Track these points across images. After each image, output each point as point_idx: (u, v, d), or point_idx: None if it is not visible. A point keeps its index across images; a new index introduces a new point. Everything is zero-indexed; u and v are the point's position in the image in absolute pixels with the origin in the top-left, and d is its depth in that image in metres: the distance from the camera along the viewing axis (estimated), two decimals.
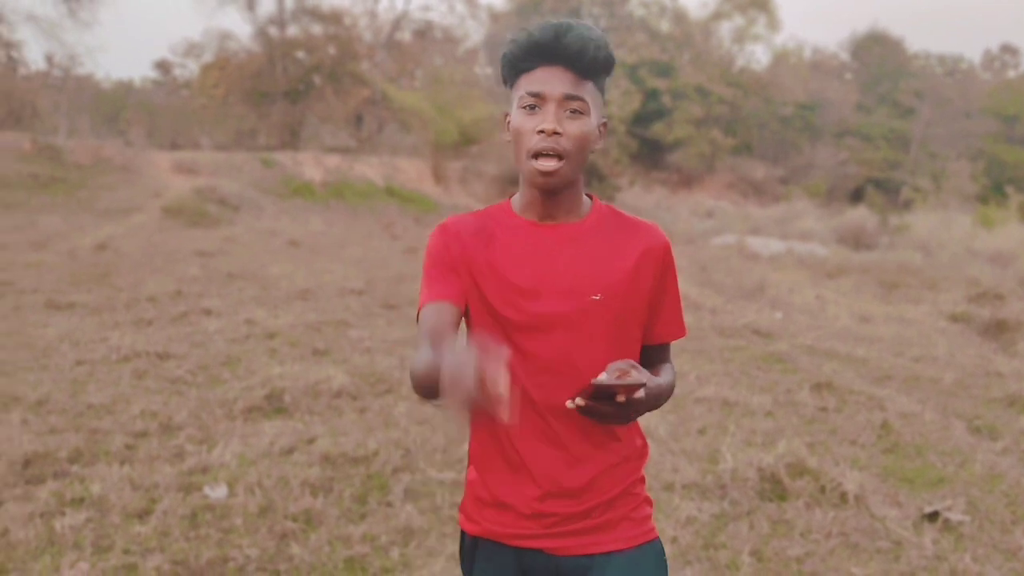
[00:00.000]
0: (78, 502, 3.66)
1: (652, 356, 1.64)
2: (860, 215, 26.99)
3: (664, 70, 41.60)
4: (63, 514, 3.50)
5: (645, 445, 1.67)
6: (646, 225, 1.61)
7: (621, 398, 1.28)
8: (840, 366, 7.07)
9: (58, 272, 9.99)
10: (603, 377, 1.29)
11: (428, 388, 1.28)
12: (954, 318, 10.43)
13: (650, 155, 40.37)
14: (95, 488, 3.76)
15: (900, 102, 45.95)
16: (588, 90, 1.48)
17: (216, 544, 3.35)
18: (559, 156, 1.45)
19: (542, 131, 1.44)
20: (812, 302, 11.22)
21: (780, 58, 48.55)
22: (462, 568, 1.68)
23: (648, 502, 1.66)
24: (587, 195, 1.61)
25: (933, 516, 3.90)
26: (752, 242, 20.01)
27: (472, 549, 1.64)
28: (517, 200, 1.59)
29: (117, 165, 19.67)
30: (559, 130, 1.43)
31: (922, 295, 12.58)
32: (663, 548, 1.63)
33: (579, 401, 1.29)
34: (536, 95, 1.45)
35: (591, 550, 1.56)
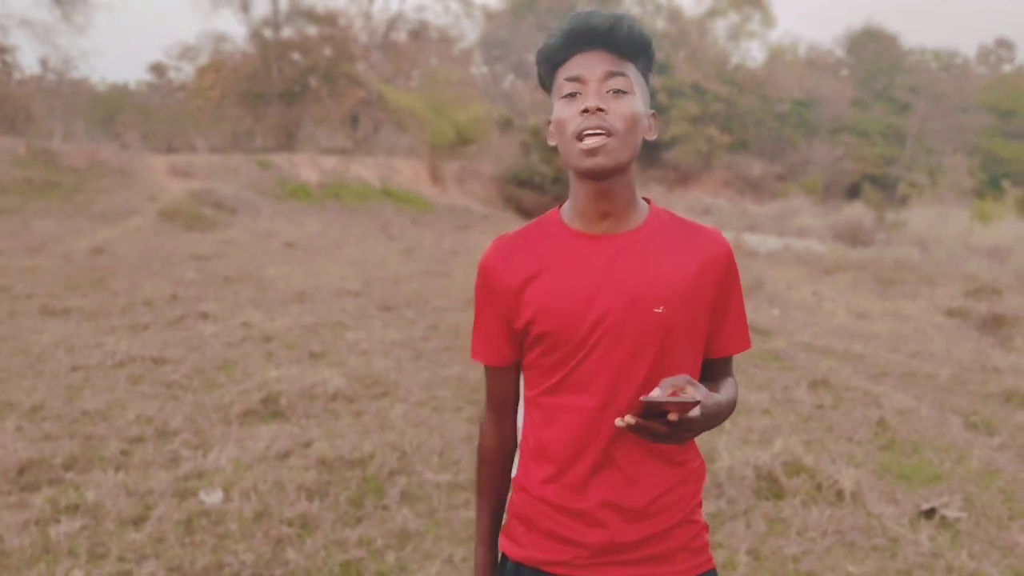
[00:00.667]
0: (73, 509, 3.65)
1: (713, 370, 1.54)
2: (857, 211, 27.03)
3: (660, 68, 41.43)
4: (58, 521, 3.49)
5: (703, 465, 1.57)
6: (708, 231, 1.51)
7: (674, 416, 1.21)
8: (837, 363, 7.07)
9: (54, 277, 9.97)
10: (655, 393, 1.23)
11: (487, 465, 1.60)
12: (951, 313, 10.44)
13: (647, 153, 40.10)
14: (90, 495, 3.75)
15: (896, 98, 46.00)
16: (629, 69, 1.40)
17: (211, 550, 3.34)
18: (607, 132, 1.34)
19: (585, 111, 1.35)
20: (809, 299, 11.23)
21: (775, 55, 48.61)
22: None
23: (706, 528, 1.55)
24: (644, 199, 1.52)
25: (930, 513, 3.90)
26: (749, 239, 20.03)
27: (515, 574, 1.54)
28: (567, 208, 1.49)
29: (113, 168, 19.64)
30: (603, 106, 1.34)
31: (919, 291, 12.59)
32: None
33: (629, 419, 1.23)
34: (575, 79, 1.38)
35: None
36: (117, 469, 4.12)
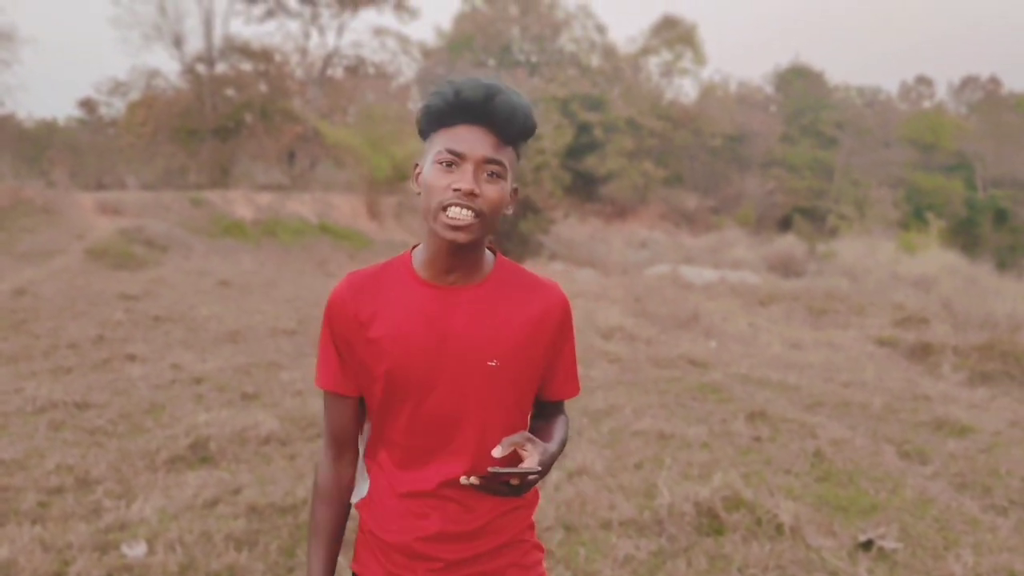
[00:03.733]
0: None
1: (547, 411, 1.67)
2: (788, 243, 27.63)
3: (595, 104, 42.20)
4: None
5: (536, 493, 1.67)
6: (546, 285, 1.59)
7: (515, 481, 1.38)
8: (773, 394, 7.14)
9: None
10: (498, 453, 1.38)
11: (323, 504, 1.64)
12: (881, 342, 10.68)
13: (584, 187, 40.75)
14: (3, 551, 3.54)
15: (823, 132, 47.36)
16: (508, 155, 1.47)
17: None
18: (475, 214, 1.42)
19: (458, 189, 1.41)
20: (745, 330, 11.38)
21: (707, 91, 49.75)
22: None
23: (538, 548, 1.67)
24: (490, 249, 1.59)
25: (867, 545, 3.92)
26: (686, 271, 20.27)
27: None
28: (419, 255, 1.56)
29: (38, 207, 19.04)
30: (476, 191, 1.41)
31: (850, 320, 12.86)
32: None
33: (473, 480, 1.40)
34: (456, 154, 1.42)
35: None
36: (34, 522, 3.92)
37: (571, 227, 31.50)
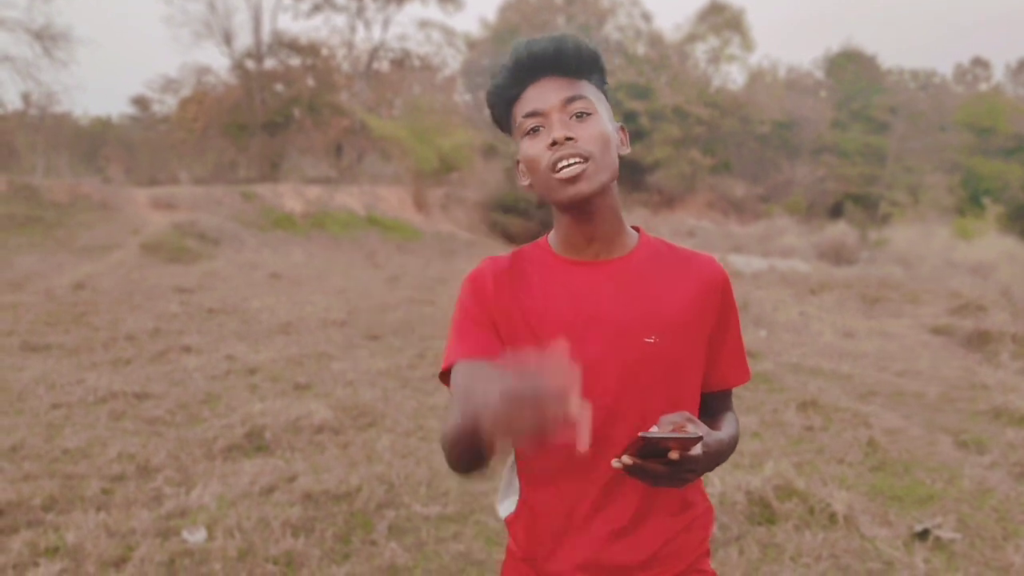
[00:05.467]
0: (52, 552, 3.56)
1: (712, 404, 1.47)
2: (840, 230, 27.18)
3: (642, 92, 41.91)
4: (37, 565, 3.40)
5: (709, 510, 1.49)
6: (703, 257, 1.44)
7: (675, 455, 1.11)
8: (825, 383, 7.05)
9: (34, 313, 9.85)
10: (654, 430, 1.14)
11: (466, 449, 1.11)
12: (936, 331, 10.47)
13: (630, 176, 40.56)
14: (70, 536, 3.66)
15: (875, 117, 46.44)
16: (587, 89, 1.34)
17: None
18: (582, 158, 1.28)
19: (553, 143, 1.28)
20: (796, 319, 11.23)
21: (755, 77, 49.08)
22: None
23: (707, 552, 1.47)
24: (633, 228, 1.46)
25: (923, 534, 3.86)
26: (735, 260, 20.08)
27: None
28: (553, 236, 1.43)
29: (95, 203, 19.52)
30: (571, 135, 1.28)
31: (904, 309, 12.62)
32: None
33: (626, 459, 1.12)
34: (533, 114, 1.31)
35: None
36: (98, 509, 4.04)
37: None
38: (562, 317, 1.34)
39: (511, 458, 1.47)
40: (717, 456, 1.27)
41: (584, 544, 1.37)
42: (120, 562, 3.48)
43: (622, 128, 1.40)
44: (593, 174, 1.28)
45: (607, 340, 1.32)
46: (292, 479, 4.49)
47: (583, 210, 1.33)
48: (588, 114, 1.31)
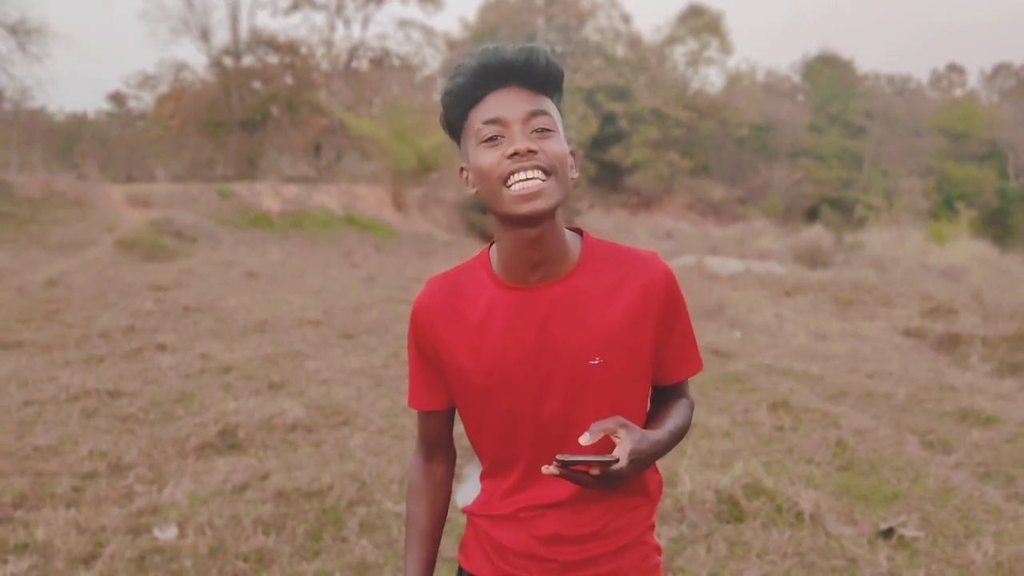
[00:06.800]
0: (22, 548, 3.55)
1: (666, 395, 1.51)
2: (816, 234, 27.40)
3: (621, 94, 42.09)
4: (6, 562, 3.40)
5: (659, 487, 1.55)
6: (644, 256, 1.42)
7: (595, 471, 1.19)
8: (797, 384, 7.13)
9: (7, 309, 9.77)
10: (585, 441, 1.21)
11: (416, 502, 1.56)
12: (908, 333, 10.61)
13: (609, 178, 40.74)
14: (39, 533, 3.65)
15: (851, 122, 46.90)
16: (549, 106, 1.31)
17: None
18: (544, 172, 1.26)
19: (513, 153, 1.25)
20: (770, 321, 11.34)
21: (734, 81, 49.36)
22: None
23: (658, 550, 1.54)
24: (576, 230, 1.45)
25: (888, 533, 3.93)
26: (711, 262, 20.20)
27: None
28: (496, 255, 1.41)
29: (69, 199, 19.35)
30: (533, 147, 1.25)
31: (877, 311, 12.77)
32: None
33: (552, 469, 1.18)
34: (494, 121, 1.27)
35: None
36: (68, 506, 4.03)
37: (596, 218, 31.51)
38: (507, 349, 1.36)
39: (476, 459, 1.55)
40: (652, 457, 1.29)
41: (538, 525, 1.45)
42: (90, 559, 3.48)
43: (573, 151, 1.37)
44: (552, 192, 1.26)
45: (552, 364, 1.36)
46: (264, 477, 4.50)
47: (532, 229, 1.31)
48: (550, 131, 1.29)
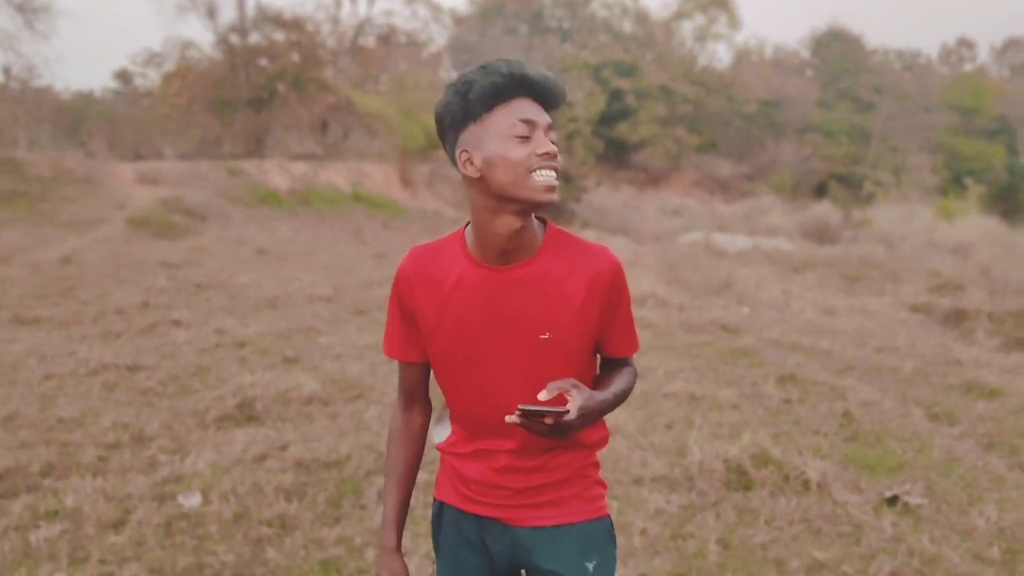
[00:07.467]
0: (52, 515, 3.67)
1: (612, 365, 1.73)
2: (824, 210, 27.42)
3: (628, 70, 41.90)
4: (38, 527, 3.52)
5: (605, 437, 1.77)
6: (595, 251, 1.64)
7: (549, 420, 1.42)
8: (804, 358, 7.22)
9: (22, 286, 9.89)
10: (543, 396, 1.43)
11: (395, 447, 1.78)
12: (915, 309, 10.68)
13: (616, 155, 40.62)
14: (68, 500, 3.77)
15: (860, 97, 46.63)
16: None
17: (192, 551, 3.39)
18: (557, 173, 1.51)
19: (544, 153, 1.48)
20: (778, 296, 11.41)
21: (742, 56, 49.15)
22: (432, 534, 1.84)
23: (601, 484, 1.77)
24: (540, 219, 1.64)
25: (892, 500, 4.03)
26: (719, 239, 20.26)
27: (439, 514, 1.80)
28: (471, 235, 1.61)
29: (79, 177, 19.44)
30: (556, 152, 1.51)
31: (884, 287, 12.83)
32: (612, 525, 1.77)
33: (514, 419, 1.41)
34: (529, 122, 1.49)
35: (542, 523, 1.70)
36: (95, 475, 4.15)
37: (603, 195, 31.48)
38: (470, 320, 1.60)
39: (444, 401, 1.79)
40: (599, 413, 1.54)
41: (494, 459, 1.70)
42: (118, 524, 3.60)
43: None
44: (559, 190, 1.53)
45: (508, 336, 1.59)
46: (283, 447, 4.61)
47: (522, 220, 1.53)
48: (555, 144, 1.52)
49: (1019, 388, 6.23)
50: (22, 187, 18.06)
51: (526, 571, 1.75)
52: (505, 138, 1.49)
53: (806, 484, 4.13)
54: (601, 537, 1.73)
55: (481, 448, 1.70)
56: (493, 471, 1.69)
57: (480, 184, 1.52)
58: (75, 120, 37.42)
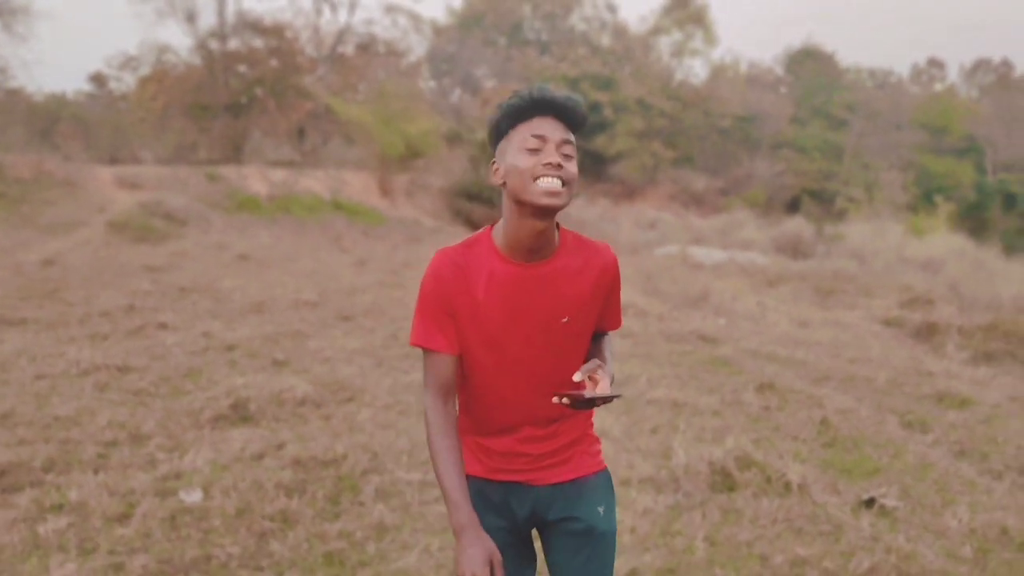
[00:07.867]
0: (58, 508, 3.76)
1: (600, 336, 2.06)
2: (797, 225, 27.72)
3: (605, 83, 42.27)
4: (45, 519, 3.60)
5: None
6: (599, 247, 1.94)
7: (600, 403, 1.74)
8: (781, 368, 7.41)
9: (6, 288, 9.89)
10: (578, 377, 1.75)
11: (444, 437, 1.89)
12: (887, 322, 10.93)
13: (593, 167, 40.90)
14: (72, 495, 3.86)
15: (833, 115, 47.29)
16: (573, 138, 1.80)
17: (198, 544, 3.49)
18: (563, 181, 1.73)
19: (548, 163, 1.72)
20: (754, 309, 11.63)
21: (718, 72, 49.70)
22: None
23: (596, 440, 2.09)
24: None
25: (870, 502, 4.21)
26: (695, 252, 20.50)
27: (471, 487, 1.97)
28: (500, 236, 1.86)
29: (59, 180, 19.36)
30: (561, 163, 1.73)
31: (857, 301, 13.10)
32: (611, 475, 2.08)
33: (565, 401, 1.73)
34: (540, 136, 1.74)
35: (560, 479, 1.99)
36: (96, 471, 4.23)
37: (580, 207, 31.66)
38: (502, 309, 1.84)
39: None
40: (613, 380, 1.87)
41: (516, 431, 1.98)
42: (124, 517, 3.69)
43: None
44: (565, 196, 1.75)
45: (536, 323, 1.87)
46: (280, 447, 4.71)
47: (541, 223, 1.77)
48: (571, 157, 1.78)
49: (988, 398, 6.46)
50: (1, 188, 17.96)
51: (544, 524, 2.02)
52: (519, 150, 1.75)
53: (787, 486, 4.30)
54: (605, 486, 2.05)
55: (506, 424, 1.96)
56: (517, 441, 1.97)
57: (505, 191, 1.79)
58: (48, 122, 37.05)
